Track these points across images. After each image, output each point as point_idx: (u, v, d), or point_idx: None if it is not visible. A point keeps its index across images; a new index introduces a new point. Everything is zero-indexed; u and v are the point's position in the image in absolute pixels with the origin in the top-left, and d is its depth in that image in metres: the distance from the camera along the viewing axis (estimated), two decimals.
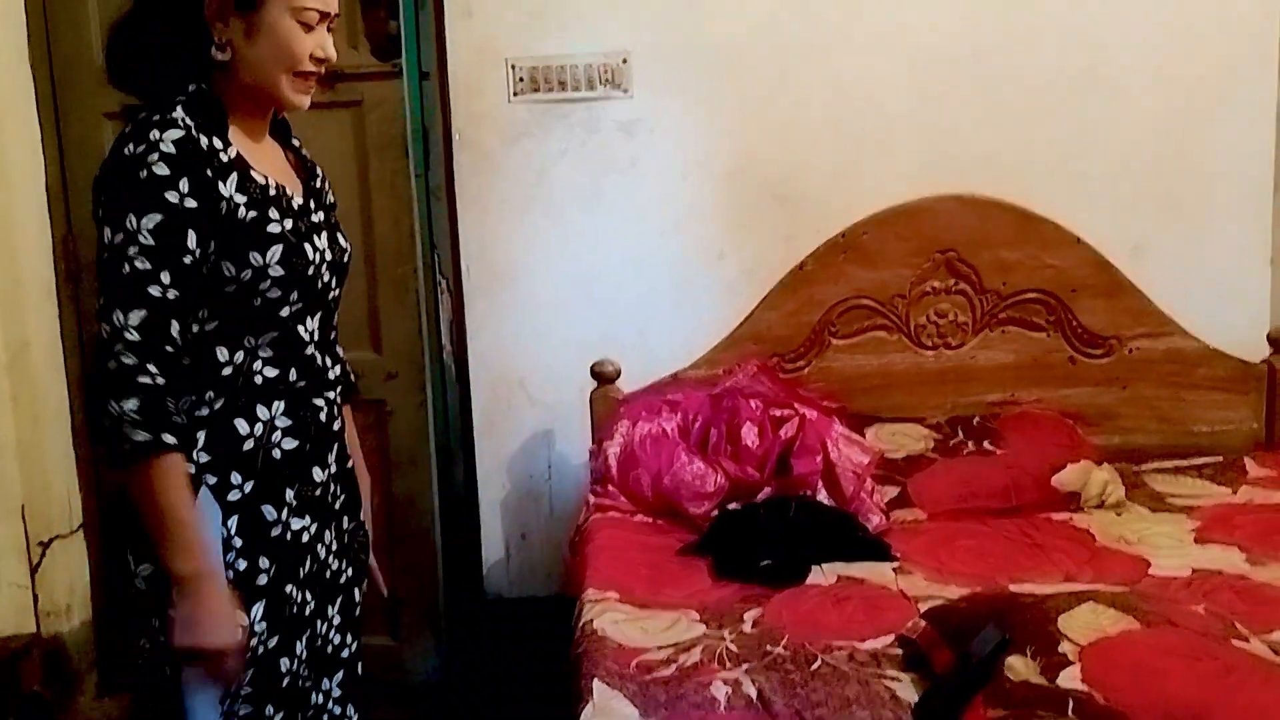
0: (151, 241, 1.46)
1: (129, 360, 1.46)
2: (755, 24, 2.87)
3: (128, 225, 1.46)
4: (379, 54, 2.89)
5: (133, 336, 1.46)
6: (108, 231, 1.48)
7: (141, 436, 1.45)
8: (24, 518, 2.70)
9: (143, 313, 1.46)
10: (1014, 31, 2.88)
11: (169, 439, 1.47)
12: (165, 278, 1.47)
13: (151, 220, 1.46)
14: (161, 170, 1.47)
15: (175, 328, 1.49)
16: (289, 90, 1.58)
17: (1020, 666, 1.65)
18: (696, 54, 2.88)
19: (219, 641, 1.50)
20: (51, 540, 2.77)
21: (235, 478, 1.57)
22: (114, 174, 1.49)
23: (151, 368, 1.47)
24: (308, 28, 1.56)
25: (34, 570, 2.73)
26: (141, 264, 1.46)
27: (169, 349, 1.48)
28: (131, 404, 1.45)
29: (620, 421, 2.68)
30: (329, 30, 1.60)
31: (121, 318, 1.46)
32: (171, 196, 1.47)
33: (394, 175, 2.92)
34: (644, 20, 2.87)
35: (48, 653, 2.75)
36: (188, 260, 1.49)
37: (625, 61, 2.87)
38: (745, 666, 1.83)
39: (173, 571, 1.49)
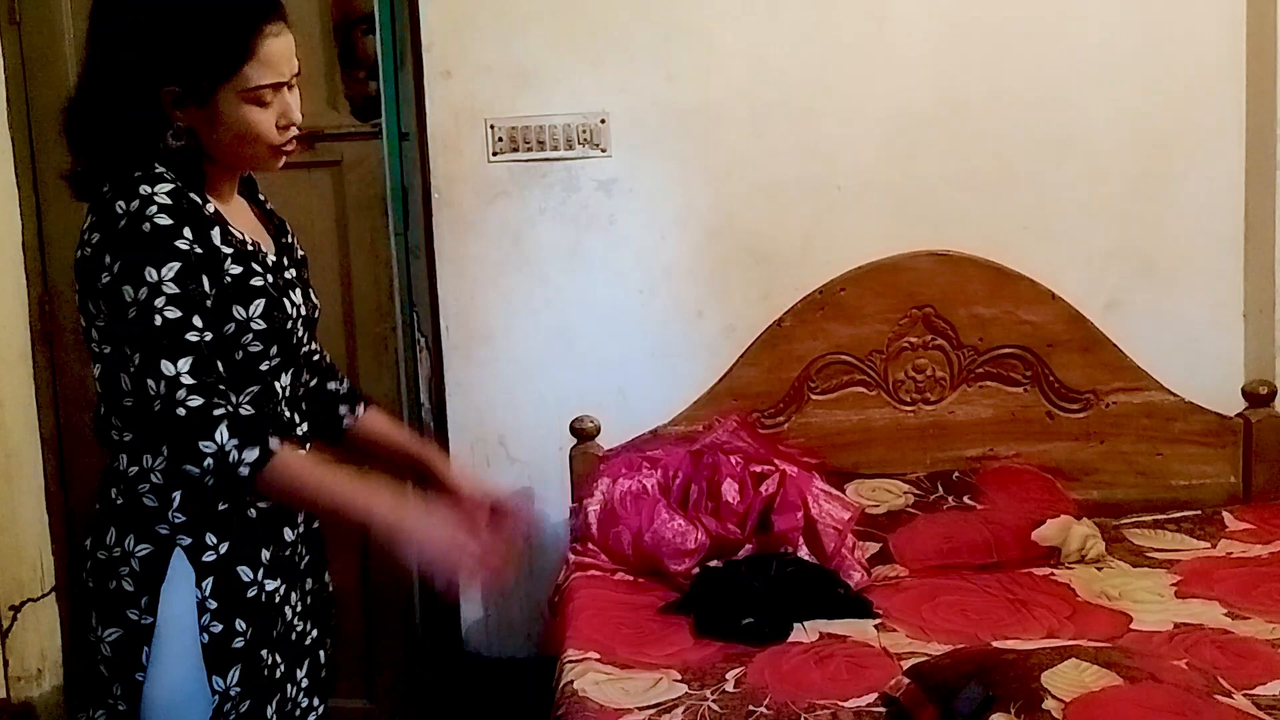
0: (176, 289, 1.45)
1: (196, 402, 1.44)
2: (731, 85, 2.90)
3: (148, 278, 1.44)
4: (358, 114, 2.91)
5: (190, 381, 1.44)
6: (128, 290, 1.45)
7: (251, 455, 1.44)
8: None
9: (190, 358, 1.45)
10: (986, 92, 2.92)
11: (274, 443, 1.47)
12: (198, 321, 1.46)
13: (171, 269, 1.45)
14: (164, 220, 1.46)
15: (220, 367, 1.49)
16: (266, 159, 1.59)
17: None
18: (674, 115, 2.91)
19: (446, 548, 1.49)
20: (23, 604, 2.72)
21: (210, 539, 1.55)
22: (115, 233, 1.47)
23: (219, 400, 1.45)
24: (264, 104, 1.54)
25: (4, 634, 2.68)
26: (172, 313, 1.45)
27: (223, 387, 1.48)
28: (222, 433, 1.43)
29: (600, 479, 2.66)
30: (290, 89, 1.56)
31: (171, 367, 1.44)
32: (181, 244, 1.47)
33: (373, 234, 2.93)
34: (622, 81, 2.90)
35: (17, 718, 2.70)
36: (208, 304, 1.49)
37: (604, 122, 2.90)
38: None
39: (376, 533, 1.49)
